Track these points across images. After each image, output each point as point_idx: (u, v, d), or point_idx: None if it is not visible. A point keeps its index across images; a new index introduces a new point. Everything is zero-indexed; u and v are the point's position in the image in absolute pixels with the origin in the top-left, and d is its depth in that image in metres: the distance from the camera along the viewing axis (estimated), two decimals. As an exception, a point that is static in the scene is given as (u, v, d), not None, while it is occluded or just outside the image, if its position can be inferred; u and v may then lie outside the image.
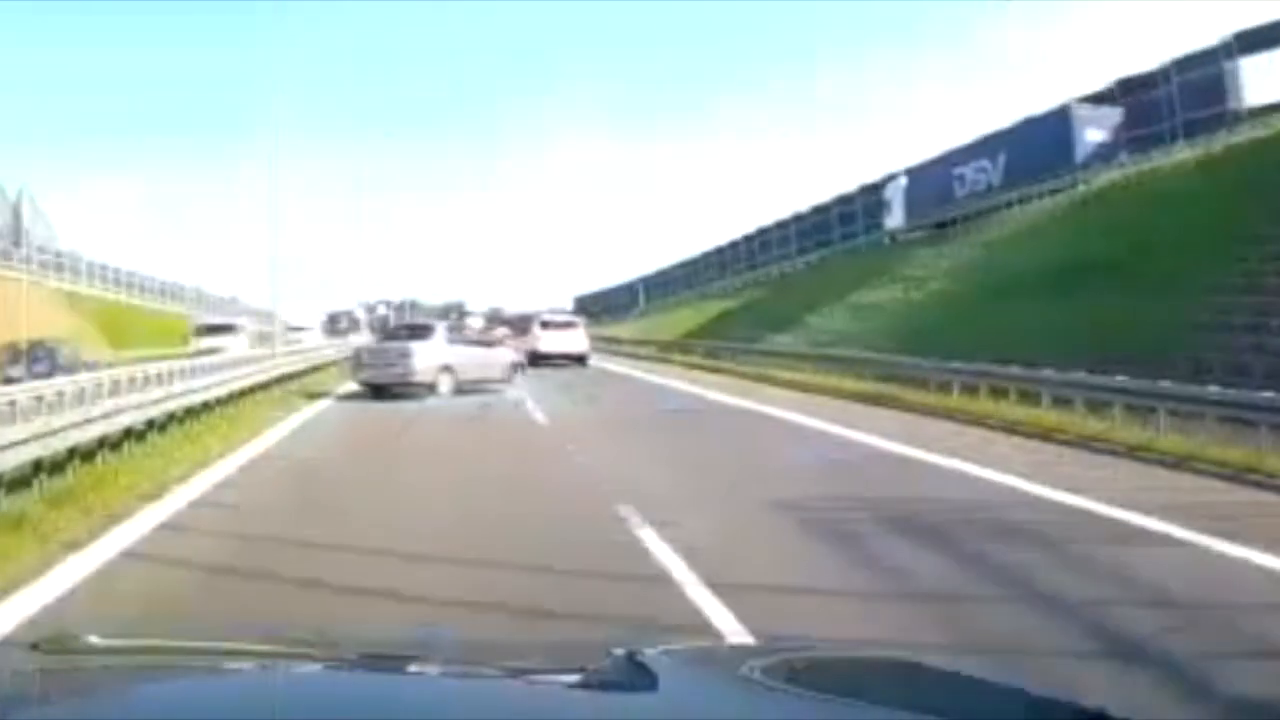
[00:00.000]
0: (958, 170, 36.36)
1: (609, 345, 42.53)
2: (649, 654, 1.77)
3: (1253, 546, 6.56)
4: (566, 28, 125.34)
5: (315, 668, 1.91)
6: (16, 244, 39.42)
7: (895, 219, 40.59)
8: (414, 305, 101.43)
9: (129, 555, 6.73)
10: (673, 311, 53.69)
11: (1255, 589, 5.78)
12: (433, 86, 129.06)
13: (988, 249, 29.54)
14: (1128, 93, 31.09)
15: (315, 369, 27.73)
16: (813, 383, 20.96)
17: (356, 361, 21.98)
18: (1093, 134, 30.91)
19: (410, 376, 19.91)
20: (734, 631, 4.82)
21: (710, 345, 33.69)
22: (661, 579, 5.92)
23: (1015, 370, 16.04)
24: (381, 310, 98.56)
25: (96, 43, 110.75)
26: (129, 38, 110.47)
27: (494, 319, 58.43)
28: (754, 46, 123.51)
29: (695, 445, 12.89)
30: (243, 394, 17.71)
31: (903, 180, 40.55)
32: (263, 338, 39.05)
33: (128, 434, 11.17)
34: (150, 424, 12.06)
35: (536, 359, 29.66)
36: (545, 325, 32.31)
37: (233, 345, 36.64)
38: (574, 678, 1.70)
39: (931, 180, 37.83)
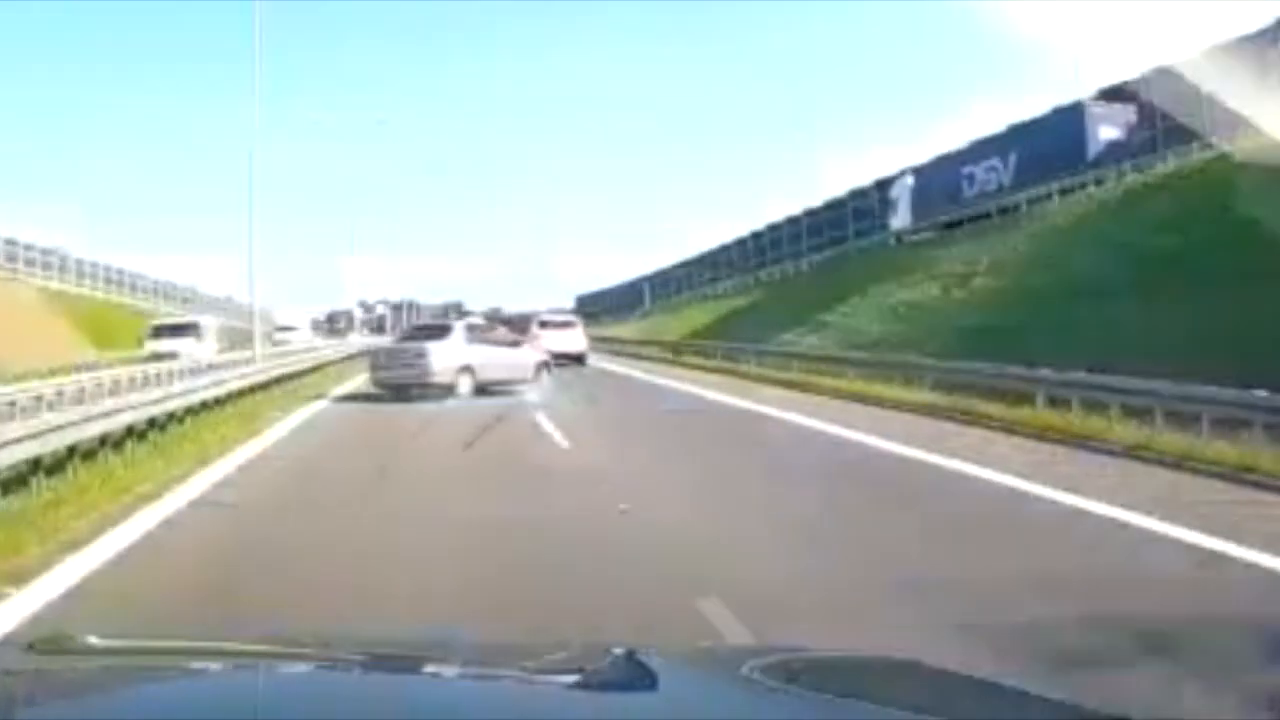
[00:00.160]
0: (967, 169, 34.43)
1: (616, 347, 39.71)
2: (649, 654, 1.75)
3: None
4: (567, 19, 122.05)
5: (314, 668, 1.87)
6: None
7: (901, 219, 38.51)
8: (412, 305, 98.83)
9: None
10: (679, 311, 50.47)
11: None
12: (432, 85, 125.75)
13: (1035, 242, 26.43)
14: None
15: (303, 373, 24.44)
16: (871, 393, 17.78)
17: (373, 362, 21.08)
18: (1106, 131, 29.05)
19: (427, 378, 18.79)
20: None
21: (730, 347, 30.38)
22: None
23: (1164, 386, 12.58)
24: (380, 310, 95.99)
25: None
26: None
27: (493, 319, 55.63)
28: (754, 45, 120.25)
29: (791, 494, 9.00)
30: (195, 411, 14.29)
31: (909, 179, 38.46)
32: (226, 336, 35.30)
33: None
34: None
35: None
36: (544, 325, 31.21)
37: (193, 348, 31.50)
38: (574, 678, 1.68)
39: (939, 179, 35.83)
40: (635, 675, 1.61)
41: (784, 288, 41.08)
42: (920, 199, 37.11)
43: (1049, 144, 29.40)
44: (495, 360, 20.05)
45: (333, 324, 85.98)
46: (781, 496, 8.93)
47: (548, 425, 13.93)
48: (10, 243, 41.21)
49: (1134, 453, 11.09)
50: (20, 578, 5.93)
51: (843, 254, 41.02)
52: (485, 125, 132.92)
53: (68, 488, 8.88)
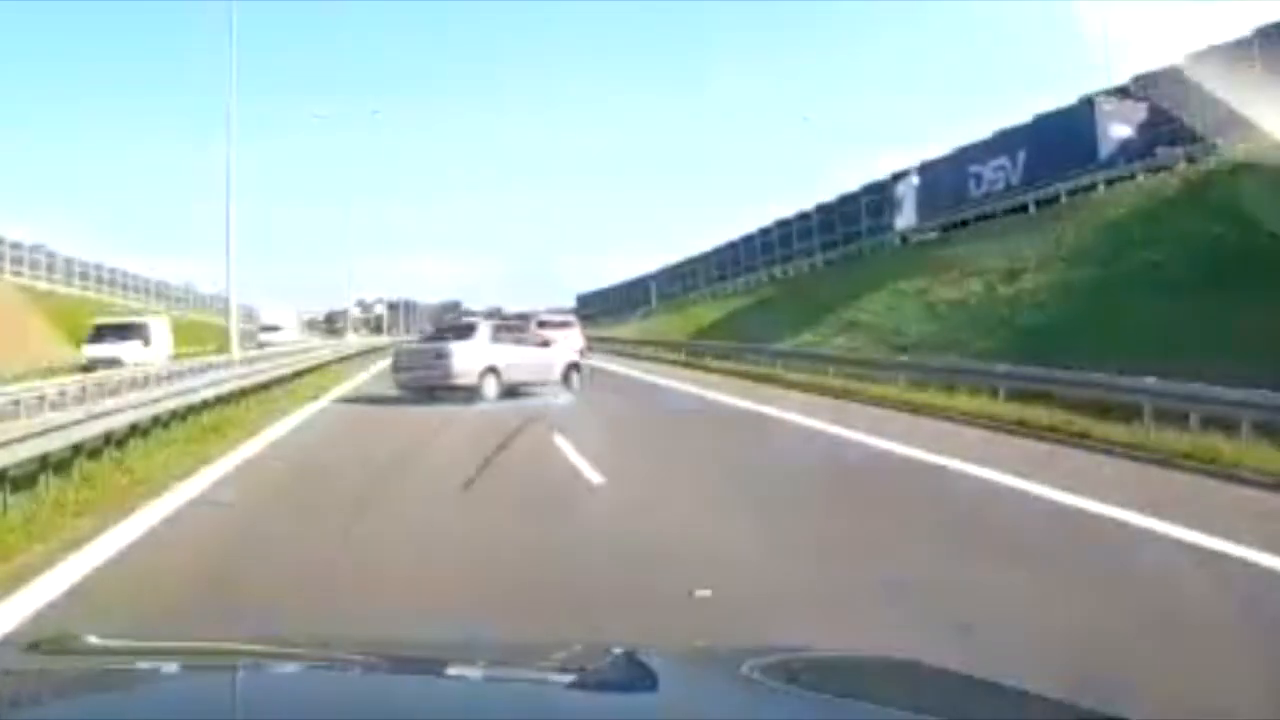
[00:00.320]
0: (974, 168, 32.79)
1: (621, 348, 36.88)
2: (649, 654, 1.73)
3: None
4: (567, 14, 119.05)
5: (314, 668, 1.81)
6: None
7: (906, 218, 36.73)
8: (411, 305, 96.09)
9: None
10: (685, 310, 47.50)
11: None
12: (432, 84, 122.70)
13: (1087, 234, 23.64)
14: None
15: (284, 379, 21.45)
16: (936, 404, 14.93)
17: (395, 363, 20.35)
18: (1118, 129, 27.51)
19: (450, 379, 17.84)
20: None
21: (754, 349, 27.39)
22: None
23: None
24: (378, 310, 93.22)
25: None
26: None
27: (492, 319, 52.89)
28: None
29: (966, 581, 5.63)
30: (116, 443, 10.57)
31: (914, 178, 36.75)
32: (214, 337, 29.84)
33: None
34: None
35: None
36: (542, 325, 29.95)
37: (139, 354, 27.38)
38: (574, 678, 1.67)
39: (945, 178, 34.22)
40: (635, 675, 1.59)
41: (799, 285, 38.30)
42: (926, 198, 35.68)
43: (1059, 142, 27.93)
44: (522, 361, 18.82)
45: (331, 323, 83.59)
46: (948, 586, 5.57)
47: (571, 450, 11.04)
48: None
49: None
50: None
51: (861, 250, 38.63)
52: (486, 125, 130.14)
53: None
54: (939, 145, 38.68)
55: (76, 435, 9.28)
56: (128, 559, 6.68)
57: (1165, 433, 11.40)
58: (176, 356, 29.50)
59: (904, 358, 20.07)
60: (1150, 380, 12.66)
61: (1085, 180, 26.69)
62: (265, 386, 19.12)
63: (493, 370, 18.08)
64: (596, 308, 64.77)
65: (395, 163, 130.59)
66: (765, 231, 48.22)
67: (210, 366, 20.93)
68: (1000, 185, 31.32)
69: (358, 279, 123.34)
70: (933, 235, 34.02)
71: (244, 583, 6.00)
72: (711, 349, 30.32)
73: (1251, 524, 6.98)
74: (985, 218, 30.10)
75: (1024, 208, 28.56)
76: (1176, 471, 9.67)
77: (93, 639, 1.96)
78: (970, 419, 13.56)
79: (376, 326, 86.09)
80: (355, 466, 10.65)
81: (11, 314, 32.55)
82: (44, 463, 8.48)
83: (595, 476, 9.53)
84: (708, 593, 5.38)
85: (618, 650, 1.73)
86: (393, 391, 18.95)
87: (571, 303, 72.23)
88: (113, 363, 23.97)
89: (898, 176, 38.61)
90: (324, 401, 19.15)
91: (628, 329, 48.67)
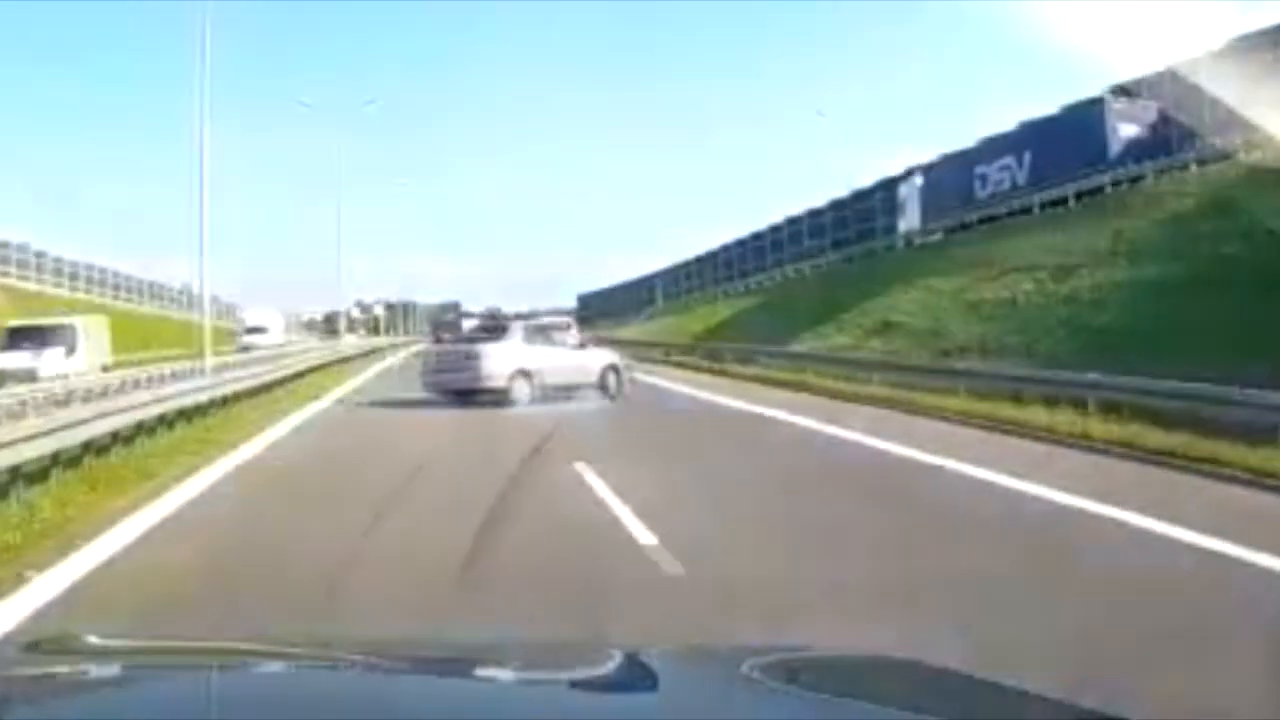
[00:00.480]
0: (979, 169, 31.65)
1: (626, 349, 34.17)
2: (649, 654, 1.71)
3: None
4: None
5: (314, 668, 1.76)
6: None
7: (910, 220, 35.35)
8: (410, 306, 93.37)
9: None
10: (693, 310, 44.82)
11: None
12: (430, 84, 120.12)
13: (1151, 228, 21.07)
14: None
15: (264, 389, 18.72)
16: (1018, 419, 12.27)
17: (424, 365, 19.87)
18: (1127, 129, 26.53)
19: (480, 382, 17.01)
20: None
21: (790, 353, 24.68)
22: None
23: None
24: (377, 310, 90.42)
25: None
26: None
27: (522, 319, 50.41)
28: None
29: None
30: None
31: (918, 179, 35.32)
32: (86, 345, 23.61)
33: None
34: None
35: None
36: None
37: (59, 364, 21.89)
38: (574, 678, 1.64)
39: (950, 179, 33.01)
40: (635, 675, 1.58)
41: (816, 283, 35.61)
42: (930, 199, 34.31)
43: (1068, 142, 26.97)
44: (556, 363, 17.57)
45: (330, 324, 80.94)
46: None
47: (606, 492, 8.32)
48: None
49: None
50: None
51: (881, 247, 36.25)
52: (485, 124, 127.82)
53: None
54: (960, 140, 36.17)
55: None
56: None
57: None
58: (116, 365, 24.55)
59: (963, 364, 17.41)
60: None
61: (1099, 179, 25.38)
62: (225, 402, 15.66)
63: (524, 373, 17.03)
64: (598, 308, 62.16)
65: (395, 163, 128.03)
66: (776, 229, 45.66)
67: (162, 379, 17.92)
68: (1006, 186, 30.15)
69: (357, 280, 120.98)
70: (940, 235, 32.55)
71: None
72: (732, 351, 27.51)
73: None
74: (1019, 213, 28.13)
75: (1063, 201, 26.50)
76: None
77: (92, 638, 1.94)
78: (1099, 445, 10.69)
79: (375, 327, 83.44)
80: (329, 520, 7.82)
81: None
82: None
83: (645, 534, 6.81)
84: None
85: (618, 650, 1.72)
86: (377, 413, 16.89)
87: (572, 303, 69.73)
88: (22, 376, 19.14)
89: (899, 178, 36.56)
90: (283, 429, 14.39)
91: (632, 330, 45.92)
